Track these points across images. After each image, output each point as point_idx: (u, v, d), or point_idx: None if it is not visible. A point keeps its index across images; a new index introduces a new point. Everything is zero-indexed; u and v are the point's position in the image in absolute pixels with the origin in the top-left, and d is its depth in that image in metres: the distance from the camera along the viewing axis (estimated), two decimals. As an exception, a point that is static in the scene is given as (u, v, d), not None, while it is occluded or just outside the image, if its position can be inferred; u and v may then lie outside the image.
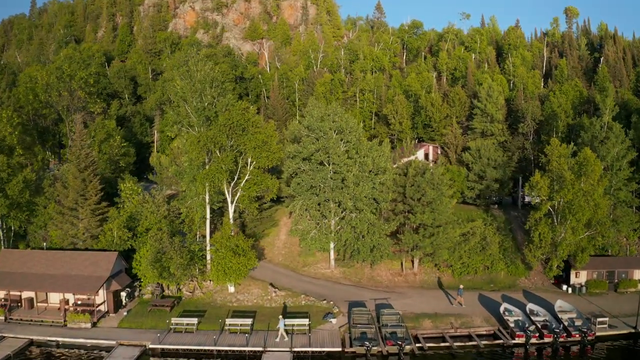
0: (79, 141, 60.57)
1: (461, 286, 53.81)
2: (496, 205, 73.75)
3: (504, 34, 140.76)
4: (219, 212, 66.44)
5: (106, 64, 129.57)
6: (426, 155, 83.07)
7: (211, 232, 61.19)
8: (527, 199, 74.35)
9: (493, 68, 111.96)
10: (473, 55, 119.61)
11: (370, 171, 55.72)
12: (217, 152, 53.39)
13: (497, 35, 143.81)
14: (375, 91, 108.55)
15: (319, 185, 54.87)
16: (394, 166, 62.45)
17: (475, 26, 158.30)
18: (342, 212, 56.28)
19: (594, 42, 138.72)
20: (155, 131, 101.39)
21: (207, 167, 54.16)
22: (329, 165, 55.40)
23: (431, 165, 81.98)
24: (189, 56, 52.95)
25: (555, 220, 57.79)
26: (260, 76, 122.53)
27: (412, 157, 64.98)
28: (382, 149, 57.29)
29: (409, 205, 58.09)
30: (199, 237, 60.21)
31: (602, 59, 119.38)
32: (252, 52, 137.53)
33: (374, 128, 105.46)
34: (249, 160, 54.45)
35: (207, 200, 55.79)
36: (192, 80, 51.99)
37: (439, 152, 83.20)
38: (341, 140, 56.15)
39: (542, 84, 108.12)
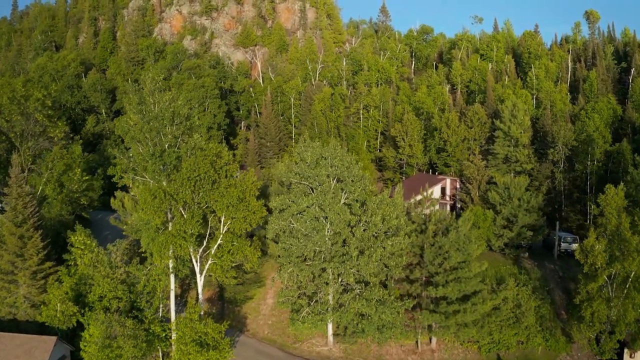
0: (16, 188, 48.75)
1: None
2: (526, 254, 61.51)
3: (520, 40, 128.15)
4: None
5: (83, 74, 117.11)
6: (443, 190, 70.72)
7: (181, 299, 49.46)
8: (563, 245, 62.30)
9: (514, 81, 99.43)
10: (490, 64, 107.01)
11: (379, 231, 43.32)
12: (181, 209, 41.30)
13: (513, 42, 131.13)
14: (382, 107, 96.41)
15: (314, 250, 42.77)
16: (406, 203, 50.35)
17: (488, 31, 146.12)
18: (341, 282, 44.19)
19: (618, 49, 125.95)
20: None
21: (169, 226, 42.23)
22: (326, 222, 43.24)
23: (449, 204, 70.43)
24: (143, 83, 40.81)
25: (610, 291, 45.80)
26: (251, 89, 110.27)
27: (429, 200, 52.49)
28: (394, 202, 45.02)
29: (427, 270, 46.02)
30: (164, 308, 48.14)
31: (632, 70, 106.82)
32: (244, 61, 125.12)
33: (380, 150, 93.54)
34: (222, 219, 42.15)
35: (170, 269, 43.73)
36: (145, 116, 39.99)
37: (458, 186, 70.77)
38: (342, 190, 44.04)
39: (569, 99, 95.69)
